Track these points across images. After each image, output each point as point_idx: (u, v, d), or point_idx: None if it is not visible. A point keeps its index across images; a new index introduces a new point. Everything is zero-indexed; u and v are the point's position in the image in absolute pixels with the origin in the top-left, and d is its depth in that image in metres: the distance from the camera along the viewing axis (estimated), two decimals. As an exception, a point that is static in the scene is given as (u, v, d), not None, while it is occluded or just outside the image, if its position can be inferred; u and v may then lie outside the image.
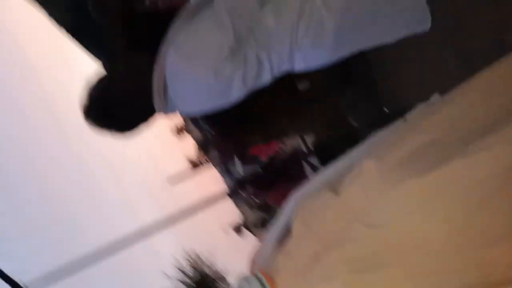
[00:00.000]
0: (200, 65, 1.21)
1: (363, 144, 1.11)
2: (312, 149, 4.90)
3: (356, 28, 1.23)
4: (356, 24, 1.22)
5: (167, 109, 1.31)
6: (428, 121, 0.95)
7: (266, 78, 1.26)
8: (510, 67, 0.97)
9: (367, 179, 0.90)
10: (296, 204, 1.08)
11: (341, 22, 1.20)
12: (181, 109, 1.34)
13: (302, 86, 3.98)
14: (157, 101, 1.27)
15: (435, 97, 1.12)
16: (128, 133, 1.34)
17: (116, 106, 1.26)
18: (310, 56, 1.27)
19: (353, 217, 0.88)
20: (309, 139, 5.23)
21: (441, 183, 0.80)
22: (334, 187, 0.99)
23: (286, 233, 1.09)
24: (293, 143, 5.76)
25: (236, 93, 1.24)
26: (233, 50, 1.18)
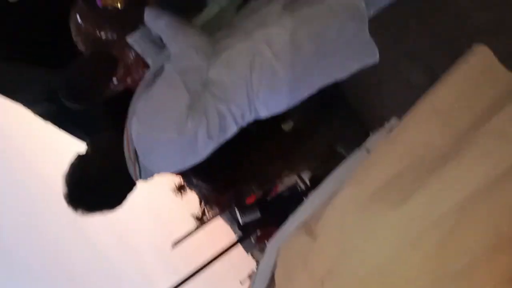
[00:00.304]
0: (161, 127, 1.22)
1: (331, 179, 1.12)
2: (310, 184, 4.89)
3: (308, 72, 1.27)
4: (307, 68, 1.26)
5: (143, 176, 1.32)
6: (391, 152, 0.97)
7: (232, 129, 1.28)
8: (460, 84, 1.00)
9: (340, 217, 0.92)
10: (277, 250, 1.07)
11: (292, 68, 1.24)
12: (156, 172, 1.35)
13: (286, 127, 4.04)
14: (131, 170, 1.28)
15: (393, 121, 1.14)
16: (114, 209, 1.33)
17: (94, 186, 1.26)
18: (270, 103, 1.30)
19: (332, 262, 0.88)
20: (306, 175, 5.23)
21: (408, 216, 0.82)
22: (310, 227, 0.99)
23: (271, 280, 1.07)
24: (291, 181, 5.74)
25: (203, 147, 1.25)
26: (191, 107, 1.19)
